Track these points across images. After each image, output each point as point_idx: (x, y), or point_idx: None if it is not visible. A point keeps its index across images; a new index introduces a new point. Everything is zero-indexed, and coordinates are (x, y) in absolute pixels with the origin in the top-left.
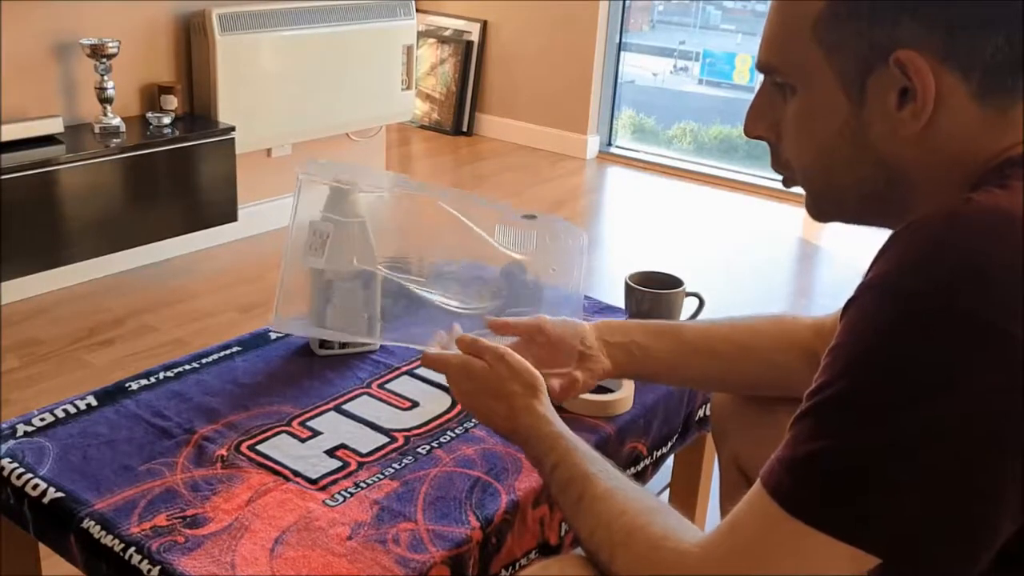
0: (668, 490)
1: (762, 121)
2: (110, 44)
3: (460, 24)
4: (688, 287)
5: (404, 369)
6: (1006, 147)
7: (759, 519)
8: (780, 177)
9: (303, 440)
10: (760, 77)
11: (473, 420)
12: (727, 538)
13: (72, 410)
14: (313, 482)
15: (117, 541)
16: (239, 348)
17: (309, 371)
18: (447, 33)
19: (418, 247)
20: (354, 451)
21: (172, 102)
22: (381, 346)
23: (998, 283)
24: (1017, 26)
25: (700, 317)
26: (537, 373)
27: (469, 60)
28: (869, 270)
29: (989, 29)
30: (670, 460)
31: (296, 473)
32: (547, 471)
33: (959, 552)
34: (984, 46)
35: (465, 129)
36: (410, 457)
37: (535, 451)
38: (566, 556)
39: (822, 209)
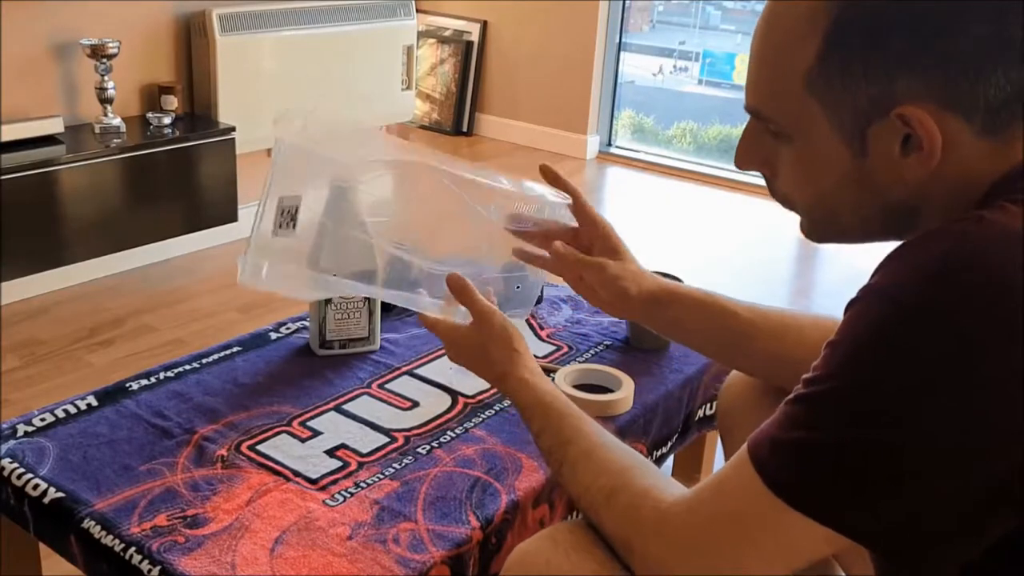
0: None
1: (755, 159)
2: (110, 44)
3: (460, 24)
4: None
5: (404, 369)
6: (1005, 172)
7: (745, 491)
8: None
9: (303, 440)
10: None
11: (473, 420)
12: (710, 503)
13: (72, 410)
14: (313, 482)
15: (117, 541)
16: (239, 348)
17: (309, 371)
18: (447, 33)
19: (417, 226)
20: (354, 451)
21: (172, 102)
22: (381, 346)
23: (1002, 306)
24: (1013, 60)
25: None
26: (518, 333)
27: (469, 60)
28: (875, 273)
29: (987, 70)
30: (670, 460)
31: (296, 473)
32: (533, 435)
33: (947, 549)
34: (984, 88)
35: (465, 129)
36: (410, 457)
37: (521, 412)
38: (574, 521)
39: (823, 237)
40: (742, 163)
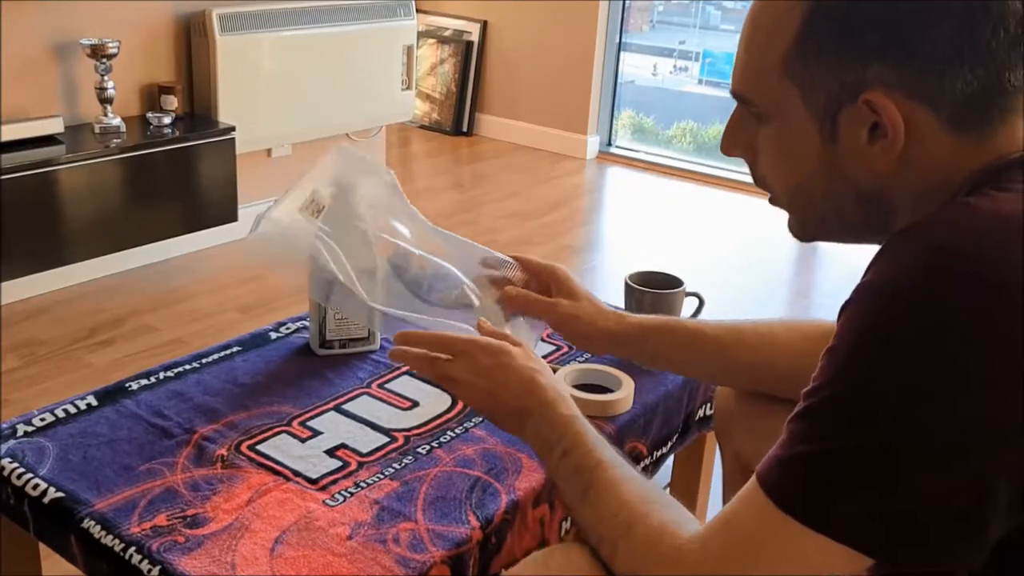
0: (668, 490)
1: (739, 143)
2: (110, 44)
3: (460, 24)
4: (688, 287)
5: (404, 369)
6: (986, 164)
7: (755, 516)
8: None
9: (303, 440)
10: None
11: (473, 420)
12: (722, 534)
13: (72, 410)
14: (313, 482)
15: (117, 541)
16: (239, 348)
17: (309, 371)
18: (447, 33)
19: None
20: (354, 451)
21: (172, 102)
22: (381, 346)
23: (994, 293)
24: (980, 59)
25: (701, 317)
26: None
27: (469, 60)
28: (867, 271)
29: (955, 65)
30: (670, 460)
31: (296, 473)
32: (556, 456)
33: (949, 551)
34: (952, 82)
35: (465, 129)
36: (410, 457)
37: (546, 433)
38: (570, 544)
39: (807, 231)
40: (726, 148)
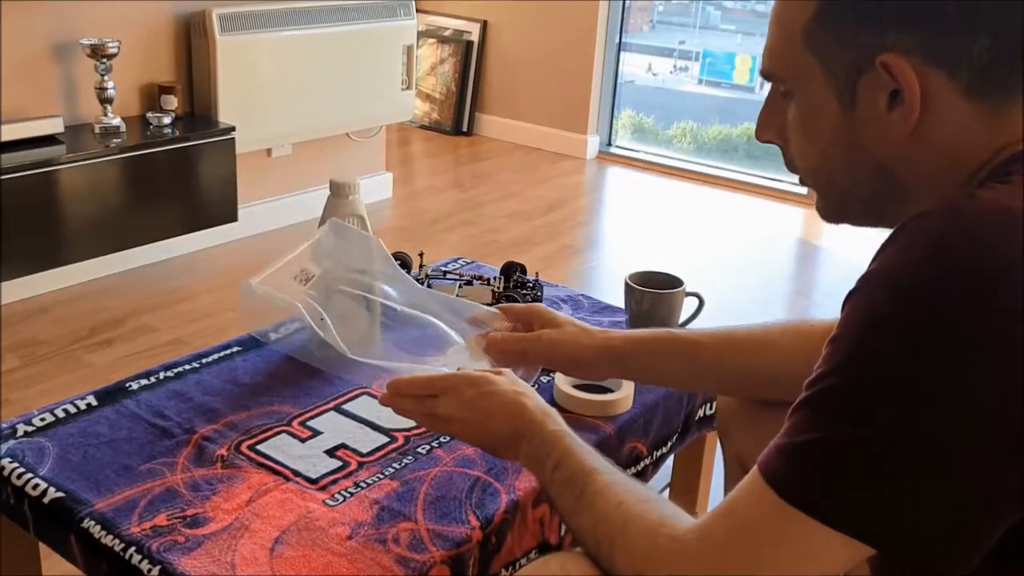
0: (668, 490)
1: (770, 126)
2: (110, 44)
3: (460, 24)
4: (688, 287)
5: None
6: (1004, 144)
7: (755, 505)
8: (779, 177)
9: (303, 440)
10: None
11: None
12: (723, 523)
13: (72, 410)
14: (313, 482)
15: (117, 541)
16: (239, 348)
17: (309, 371)
18: (447, 33)
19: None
20: (354, 451)
21: (172, 102)
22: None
23: (997, 281)
24: (1003, 26)
25: (700, 317)
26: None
27: (469, 60)
28: (872, 262)
29: (974, 31)
30: (670, 460)
31: (296, 473)
32: (548, 470)
33: (951, 545)
34: (970, 48)
35: (465, 129)
36: (410, 457)
37: (537, 451)
38: (566, 552)
39: (829, 211)
40: (759, 132)
